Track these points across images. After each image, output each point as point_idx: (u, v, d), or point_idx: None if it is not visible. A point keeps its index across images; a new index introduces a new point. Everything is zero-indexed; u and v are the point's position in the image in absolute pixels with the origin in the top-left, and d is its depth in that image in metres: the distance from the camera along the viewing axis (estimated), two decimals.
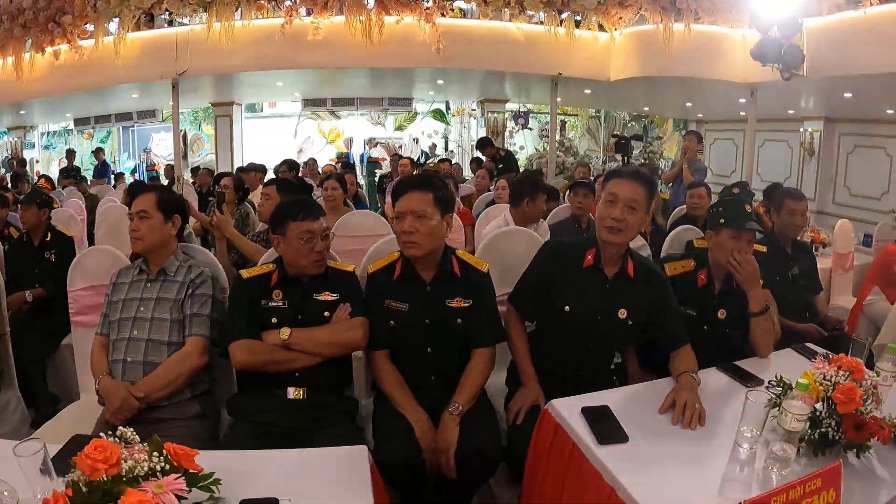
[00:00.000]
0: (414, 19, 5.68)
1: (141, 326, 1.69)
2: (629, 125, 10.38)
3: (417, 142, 10.52)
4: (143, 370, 1.65)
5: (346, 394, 1.80)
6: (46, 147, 11.48)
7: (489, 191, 4.70)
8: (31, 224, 2.92)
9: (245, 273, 1.75)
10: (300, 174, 6.27)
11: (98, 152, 9.82)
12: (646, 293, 1.66)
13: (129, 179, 9.11)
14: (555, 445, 1.33)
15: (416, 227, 1.60)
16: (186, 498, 0.93)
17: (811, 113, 7.37)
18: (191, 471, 0.96)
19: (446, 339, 1.70)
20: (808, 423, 1.17)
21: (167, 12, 6.10)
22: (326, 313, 1.68)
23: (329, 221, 1.82)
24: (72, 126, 11.09)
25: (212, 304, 1.76)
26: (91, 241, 4.25)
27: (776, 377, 1.27)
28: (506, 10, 5.78)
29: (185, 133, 10.80)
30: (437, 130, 10.70)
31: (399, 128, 10.61)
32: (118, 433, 0.97)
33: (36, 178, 8.28)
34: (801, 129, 7.66)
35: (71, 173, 8.50)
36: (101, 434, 0.96)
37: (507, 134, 9.46)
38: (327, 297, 1.70)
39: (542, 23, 5.95)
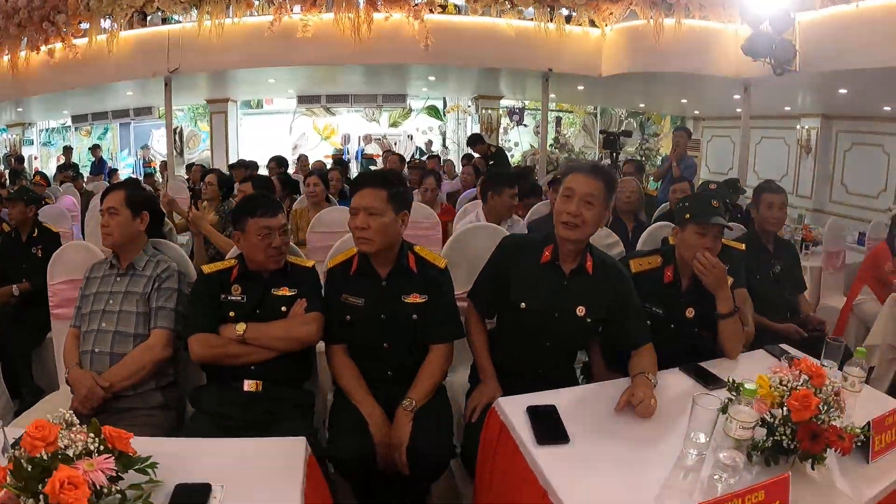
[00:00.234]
0: (403, 16, 5.64)
1: (109, 319, 1.75)
2: (626, 121, 10.30)
3: (412, 138, 10.48)
4: (110, 361, 1.70)
5: (306, 387, 1.81)
6: (45, 144, 11.51)
7: (476, 187, 4.65)
8: (18, 220, 3.00)
9: (206, 268, 1.78)
10: (295, 171, 6.26)
11: (95, 149, 9.84)
12: (605, 290, 1.62)
13: (123, 175, 9.12)
14: (500, 444, 1.30)
15: (368, 224, 1.60)
16: (122, 478, 0.98)
17: (808, 110, 7.29)
18: (127, 453, 1.01)
19: (402, 335, 1.69)
20: (766, 430, 1.12)
21: (159, 10, 6.15)
22: (284, 308, 1.70)
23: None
24: (70, 123, 11.12)
25: (177, 298, 1.81)
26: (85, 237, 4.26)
27: (730, 380, 1.21)
28: (494, 5, 5.73)
29: (180, 129, 10.82)
30: (432, 127, 10.65)
31: (394, 124, 10.57)
32: (60, 416, 1.01)
33: (34, 174, 8.31)
34: (798, 127, 7.58)
35: (68, 170, 8.56)
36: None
37: (501, 130, 9.39)
38: (285, 292, 1.73)
39: (532, 19, 5.90)
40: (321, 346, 1.79)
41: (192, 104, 10.48)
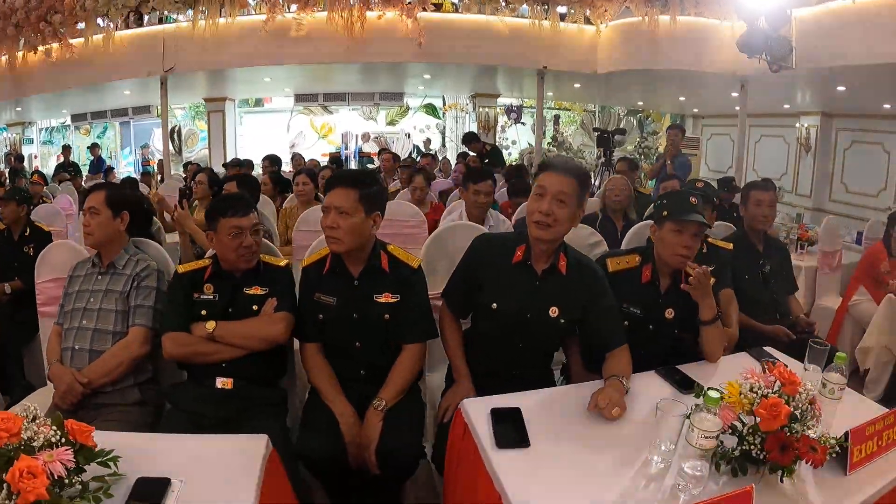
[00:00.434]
0: (396, 14, 5.62)
1: (89, 317, 1.78)
2: (626, 119, 10.23)
3: (409, 136, 10.44)
4: (89, 357, 1.73)
5: (280, 386, 1.83)
6: (45, 143, 11.53)
7: None
8: (10, 219, 3.05)
9: (181, 268, 1.81)
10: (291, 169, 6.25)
11: (94, 148, 9.85)
12: (579, 290, 1.58)
13: (124, 174, 9.14)
14: (463, 446, 1.28)
15: (338, 223, 1.59)
16: (85, 470, 1.01)
17: (807, 108, 7.21)
18: (88, 447, 1.04)
19: (374, 335, 1.69)
20: (738, 439, 1.07)
21: (154, 10, 6.19)
22: (255, 307, 1.72)
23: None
24: (69, 122, 11.12)
25: (156, 296, 1.83)
26: None
27: (697, 387, 1.16)
28: (489, 3, 5.68)
29: (179, 128, 10.82)
30: (430, 125, 10.60)
31: (391, 122, 10.53)
32: (26, 410, 1.05)
33: (32, 173, 8.33)
34: (798, 125, 7.50)
35: (67, 169, 8.59)
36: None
37: (499, 129, 9.34)
38: (257, 291, 1.75)
39: (525, 16, 5.85)
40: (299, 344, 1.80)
41: (191, 103, 10.48)
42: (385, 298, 1.67)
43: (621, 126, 9.53)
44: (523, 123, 10.38)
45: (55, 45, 6.47)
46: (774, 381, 1.13)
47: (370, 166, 8.18)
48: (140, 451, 1.13)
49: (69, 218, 4.42)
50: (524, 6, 5.77)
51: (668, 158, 4.56)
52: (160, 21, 6.49)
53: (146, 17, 6.54)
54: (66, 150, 9.70)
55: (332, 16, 5.57)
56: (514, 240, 1.62)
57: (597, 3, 5.43)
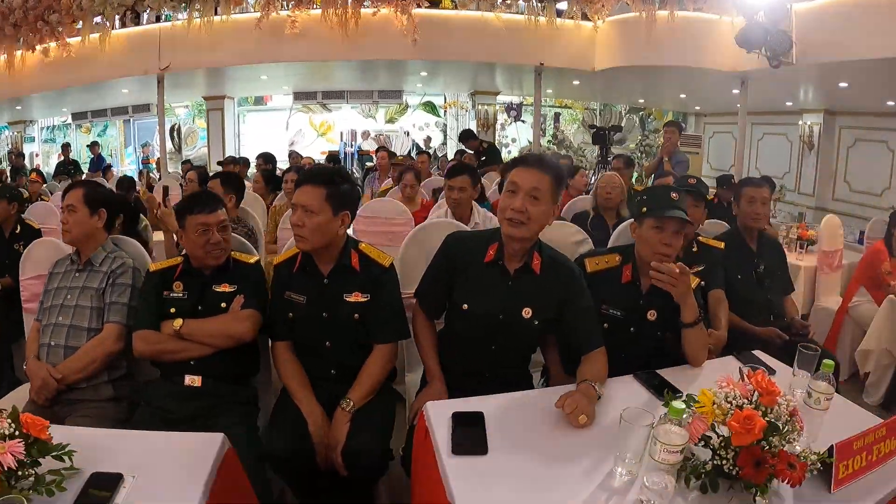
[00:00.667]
0: (391, 11, 5.57)
1: (66, 313, 1.80)
2: (627, 117, 10.13)
3: (409, 134, 10.37)
4: (64, 354, 1.75)
5: (252, 384, 1.82)
6: (47, 141, 11.55)
7: None
8: (1, 217, 3.06)
9: (153, 266, 1.83)
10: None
11: (93, 146, 9.87)
12: (554, 291, 1.52)
13: (124, 173, 9.14)
14: (424, 450, 1.23)
15: (304, 221, 1.58)
16: (40, 463, 1.04)
17: (810, 105, 7.10)
18: (42, 440, 1.06)
19: (344, 334, 1.66)
20: (712, 452, 0.99)
21: (148, 9, 6.24)
22: (224, 304, 1.72)
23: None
24: (69, 120, 11.13)
25: (131, 294, 1.83)
26: None
27: (667, 394, 1.08)
28: None
29: (178, 126, 10.81)
30: (429, 123, 10.53)
31: (390, 120, 10.46)
32: None
33: (30, 171, 8.35)
34: (800, 122, 7.39)
35: (67, 167, 8.61)
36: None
37: (498, 126, 9.26)
38: (226, 288, 1.75)
39: (522, 12, 5.78)
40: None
41: (192, 101, 10.47)
42: (355, 298, 1.64)
43: (622, 124, 9.43)
44: (523, 121, 10.29)
45: (52, 45, 6.52)
46: (753, 391, 1.05)
47: (369, 164, 8.14)
48: (100, 447, 1.15)
49: None
50: (521, 2, 5.70)
51: (665, 156, 4.47)
52: (157, 19, 6.53)
53: (144, 17, 6.57)
54: (66, 148, 9.73)
55: (326, 13, 5.52)
56: (487, 238, 1.56)
57: None
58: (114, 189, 4.30)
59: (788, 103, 7.19)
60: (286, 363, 1.68)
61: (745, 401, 1.01)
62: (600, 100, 9.99)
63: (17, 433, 1.03)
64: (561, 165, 1.53)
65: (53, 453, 1.06)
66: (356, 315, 1.64)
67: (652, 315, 1.67)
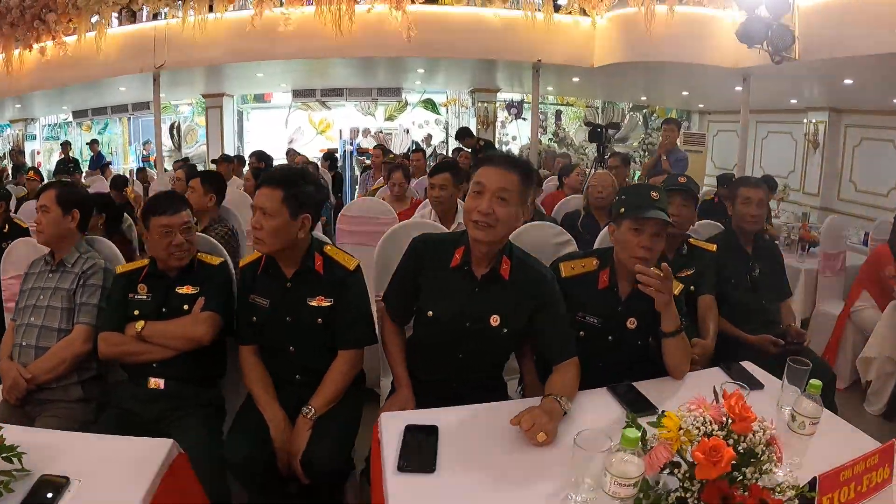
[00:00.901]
0: (386, 8, 5.49)
1: (38, 313, 1.81)
2: (630, 115, 9.98)
3: (408, 132, 10.28)
4: (35, 354, 1.77)
5: (219, 387, 1.83)
6: (48, 139, 11.56)
7: None
8: None
9: (119, 268, 1.84)
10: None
11: (93, 144, 9.87)
12: (524, 297, 1.44)
13: (122, 170, 9.13)
14: (376, 462, 1.16)
15: (261, 224, 1.54)
16: None
17: (815, 103, 6.95)
18: None
19: (308, 339, 1.64)
20: (681, 480, 0.89)
21: (144, 7, 6.26)
22: (186, 306, 1.73)
23: None
24: (70, 118, 11.13)
25: (101, 295, 1.84)
26: None
27: (628, 415, 0.98)
28: None
29: (178, 124, 10.78)
30: (429, 121, 10.43)
31: (389, 118, 10.38)
32: None
33: (27, 169, 8.35)
34: (805, 121, 7.23)
35: (67, 165, 8.60)
36: None
37: (499, 124, 9.16)
38: (188, 290, 1.75)
39: (520, 8, 5.67)
40: None
41: (195, 99, 10.42)
42: (318, 302, 1.60)
43: (622, 122, 9.30)
44: (524, 119, 10.17)
45: (49, 44, 6.53)
46: (726, 414, 0.94)
47: (366, 162, 8.09)
48: (55, 449, 1.17)
49: None
50: None
51: (663, 154, 4.36)
52: (154, 17, 6.51)
53: (143, 14, 6.55)
54: (66, 146, 9.75)
55: (320, 10, 5.45)
56: (454, 241, 1.48)
57: None
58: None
59: (793, 101, 7.03)
60: (251, 367, 1.66)
61: (716, 427, 0.91)
62: (602, 97, 9.85)
63: None
64: (530, 163, 1.45)
65: (4, 455, 1.06)
66: (319, 319, 1.60)
67: (632, 323, 1.58)
